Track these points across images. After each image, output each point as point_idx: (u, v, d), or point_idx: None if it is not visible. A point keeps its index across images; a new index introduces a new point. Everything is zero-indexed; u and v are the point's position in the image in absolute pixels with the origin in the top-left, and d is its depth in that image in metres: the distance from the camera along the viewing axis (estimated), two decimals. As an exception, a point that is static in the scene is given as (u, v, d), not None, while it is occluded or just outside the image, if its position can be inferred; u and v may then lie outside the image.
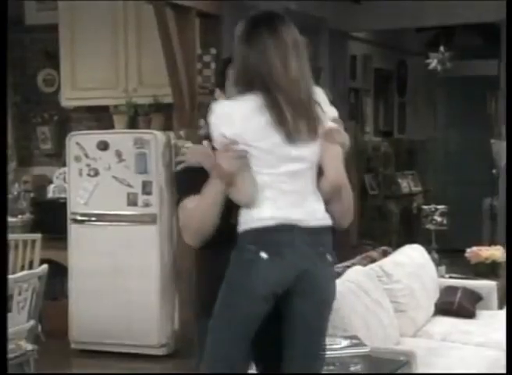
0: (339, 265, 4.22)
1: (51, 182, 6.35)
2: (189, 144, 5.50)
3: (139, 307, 5.54)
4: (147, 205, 5.52)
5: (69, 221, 5.66)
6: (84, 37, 6.03)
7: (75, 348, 5.66)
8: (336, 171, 2.44)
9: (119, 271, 5.54)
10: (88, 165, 5.65)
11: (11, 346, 4.13)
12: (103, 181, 5.60)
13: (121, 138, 5.63)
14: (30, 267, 4.90)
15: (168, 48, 5.41)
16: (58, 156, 6.41)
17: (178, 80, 5.49)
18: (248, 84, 2.38)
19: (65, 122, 6.62)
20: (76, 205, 5.60)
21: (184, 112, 5.58)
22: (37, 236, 5.05)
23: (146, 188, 5.52)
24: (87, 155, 5.65)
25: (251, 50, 2.42)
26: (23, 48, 6.77)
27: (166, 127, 5.75)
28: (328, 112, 2.50)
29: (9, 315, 4.08)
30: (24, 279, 4.09)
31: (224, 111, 2.43)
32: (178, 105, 5.58)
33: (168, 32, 5.34)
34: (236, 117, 2.38)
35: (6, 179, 3.69)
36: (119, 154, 5.59)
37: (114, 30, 5.96)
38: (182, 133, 5.57)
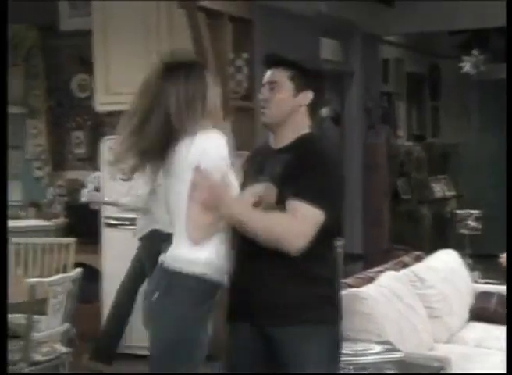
0: (372, 270, 4.21)
1: (84, 186, 6.37)
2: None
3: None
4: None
5: (102, 225, 5.69)
6: (117, 43, 6.05)
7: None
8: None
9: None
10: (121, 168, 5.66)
11: (46, 349, 4.19)
12: (136, 185, 5.59)
13: (154, 142, 5.63)
14: (64, 271, 4.94)
15: (201, 53, 5.39)
16: (91, 160, 6.46)
17: (210, 84, 5.50)
18: None
19: (99, 126, 6.66)
20: (110, 209, 5.61)
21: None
22: (71, 240, 5.10)
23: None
24: None
25: None
26: (57, 54, 6.86)
27: None
28: None
29: (44, 318, 4.19)
30: (59, 282, 4.12)
31: None
32: None
33: (200, 36, 5.34)
34: None
35: (6, 179, 3.74)
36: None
37: (146, 34, 5.95)
38: None
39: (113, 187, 5.58)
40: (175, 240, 2.63)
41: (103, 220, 5.68)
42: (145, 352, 5.25)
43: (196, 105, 2.63)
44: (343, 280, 3.99)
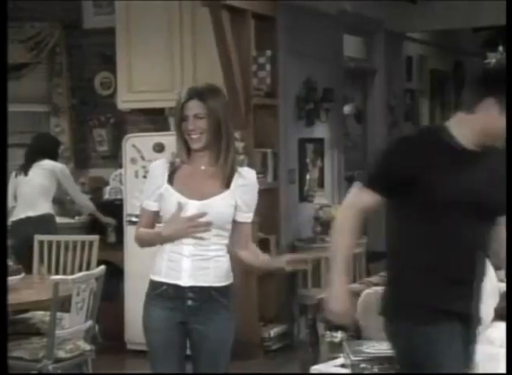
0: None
1: (107, 184, 6.40)
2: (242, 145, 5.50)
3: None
4: (202, 206, 5.50)
5: (125, 222, 5.69)
6: (140, 40, 6.06)
7: (130, 348, 5.68)
8: None
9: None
10: (144, 167, 5.65)
11: (69, 346, 4.19)
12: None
13: (174, 141, 5.61)
14: (88, 268, 4.94)
15: (224, 50, 5.39)
16: (114, 158, 6.47)
17: (233, 82, 5.47)
18: None
19: (122, 124, 6.67)
20: (132, 206, 5.57)
21: (239, 114, 5.54)
22: (95, 237, 5.10)
23: (201, 191, 5.51)
24: (143, 157, 5.69)
25: None
26: (80, 52, 6.88)
27: None
28: None
29: (68, 315, 4.20)
30: (82, 280, 4.12)
31: None
32: (233, 107, 5.44)
33: (224, 34, 5.32)
34: None
35: (6, 179, 3.70)
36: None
37: (169, 32, 5.96)
38: (237, 135, 5.47)
39: (135, 184, 5.60)
40: None
41: (126, 218, 5.67)
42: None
43: None
44: (368, 279, 3.96)
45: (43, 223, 5.61)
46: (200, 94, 2.84)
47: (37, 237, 5.22)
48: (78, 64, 6.90)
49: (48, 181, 5.78)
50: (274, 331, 5.75)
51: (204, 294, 2.83)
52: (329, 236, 5.94)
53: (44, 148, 5.96)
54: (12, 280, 4.18)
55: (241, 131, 5.56)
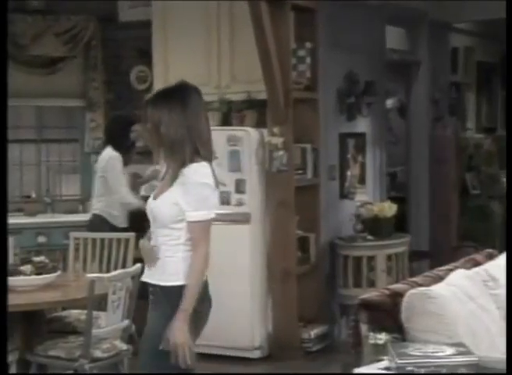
0: (441, 268, 4.13)
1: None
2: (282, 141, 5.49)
3: (231, 308, 5.55)
4: (240, 204, 5.53)
5: None
6: (177, 33, 6.09)
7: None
8: None
9: (211, 271, 5.51)
10: (180, 163, 5.69)
11: (106, 345, 4.23)
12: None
13: (214, 135, 5.53)
14: (124, 266, 4.96)
15: (263, 43, 5.39)
16: (150, 154, 6.43)
17: (272, 75, 5.47)
18: None
19: None
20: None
21: (278, 109, 5.55)
22: (131, 235, 5.12)
23: (239, 187, 5.54)
24: None
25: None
26: (116, 46, 6.92)
27: (260, 124, 5.75)
28: None
29: (104, 314, 4.23)
30: (118, 278, 4.14)
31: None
32: (272, 101, 5.56)
33: (263, 26, 5.31)
34: None
35: (6, 178, 3.77)
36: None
37: (207, 25, 5.98)
38: (276, 130, 5.56)
39: None
40: None
41: None
42: (233, 353, 5.42)
43: None
44: (411, 279, 3.92)
45: (91, 226, 5.65)
46: (150, 100, 3.00)
47: (73, 234, 5.26)
48: (113, 58, 6.94)
49: (102, 175, 5.71)
50: (314, 332, 5.76)
51: (154, 291, 3.01)
52: (371, 234, 6.03)
53: (110, 133, 5.87)
54: (47, 277, 4.27)
55: (280, 126, 5.57)
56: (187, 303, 2.89)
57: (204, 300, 3.02)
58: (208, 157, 2.95)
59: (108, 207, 5.69)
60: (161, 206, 2.96)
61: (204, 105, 3.01)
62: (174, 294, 2.92)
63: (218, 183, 2.98)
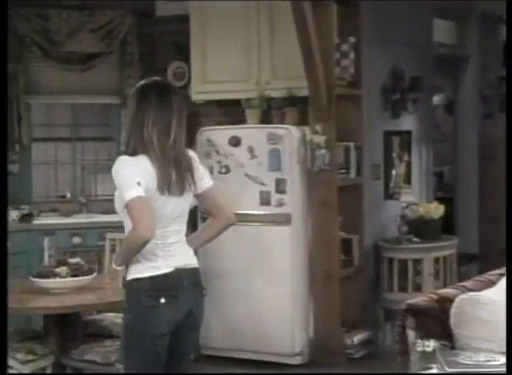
0: (492, 272, 4.07)
1: None
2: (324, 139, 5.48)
3: (271, 312, 5.55)
4: (280, 204, 5.52)
5: (199, 220, 5.70)
6: (215, 28, 6.08)
7: (204, 353, 5.73)
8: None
9: (250, 273, 5.57)
10: (219, 162, 5.70)
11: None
12: (234, 179, 5.63)
13: (253, 134, 5.65)
14: None
15: (304, 38, 5.36)
16: (188, 153, 6.51)
17: (314, 71, 5.44)
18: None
19: (195, 117, 6.56)
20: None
21: (320, 106, 5.52)
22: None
23: (280, 187, 5.52)
24: (218, 152, 5.71)
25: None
26: (152, 41, 6.92)
27: (301, 122, 5.73)
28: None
29: None
30: None
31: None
32: (314, 97, 5.53)
33: (305, 20, 5.28)
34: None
35: (6, 177, 3.79)
36: (251, 150, 5.62)
37: (246, 19, 5.97)
38: (318, 127, 5.53)
39: None
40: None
41: (200, 215, 5.64)
42: (273, 359, 5.41)
43: None
44: (461, 283, 3.88)
45: None
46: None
47: (109, 235, 5.29)
48: (150, 54, 6.90)
49: None
50: (357, 338, 5.73)
51: None
52: (417, 236, 5.98)
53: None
54: (83, 280, 4.31)
55: (322, 124, 5.54)
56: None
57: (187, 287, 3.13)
58: (152, 153, 3.06)
59: None
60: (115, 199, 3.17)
61: (167, 103, 3.12)
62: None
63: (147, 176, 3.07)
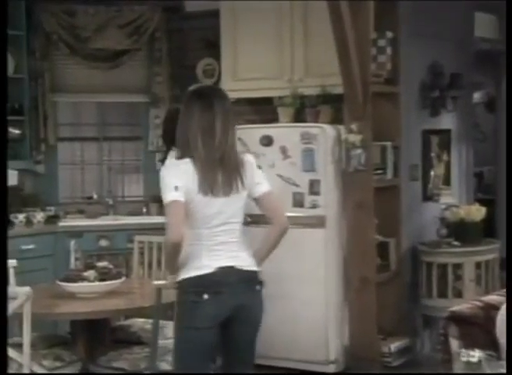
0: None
1: None
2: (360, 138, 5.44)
3: (304, 318, 5.52)
4: (314, 206, 5.48)
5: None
6: (246, 24, 6.06)
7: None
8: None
9: (283, 278, 5.53)
10: (251, 162, 5.68)
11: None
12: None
13: (286, 133, 5.61)
14: None
15: (340, 33, 5.30)
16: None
17: (350, 67, 5.39)
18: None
19: None
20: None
21: (356, 104, 5.48)
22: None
23: (313, 188, 5.48)
24: (249, 151, 5.57)
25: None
26: (182, 37, 6.94)
27: (335, 120, 5.70)
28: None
29: (172, 323, 4.15)
30: None
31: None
32: (349, 95, 5.49)
33: (340, 15, 5.22)
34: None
35: (6, 178, 3.80)
36: (284, 150, 5.59)
37: (279, 14, 5.94)
38: (353, 126, 5.49)
39: None
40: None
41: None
42: (307, 367, 5.37)
43: None
44: (505, 289, 3.81)
45: None
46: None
47: (138, 238, 5.28)
48: (179, 50, 6.95)
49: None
50: (394, 346, 5.69)
51: None
52: (457, 239, 5.91)
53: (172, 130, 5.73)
54: (112, 284, 4.31)
55: (358, 122, 5.49)
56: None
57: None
58: (195, 156, 3.33)
59: None
60: None
61: (208, 107, 3.36)
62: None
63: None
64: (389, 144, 5.78)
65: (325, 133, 5.50)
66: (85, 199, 7.14)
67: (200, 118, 3.32)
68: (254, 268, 3.45)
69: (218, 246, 3.36)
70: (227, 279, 3.34)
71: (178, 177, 3.28)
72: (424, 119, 6.27)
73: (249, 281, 3.43)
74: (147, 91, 7.00)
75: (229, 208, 3.36)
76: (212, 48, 6.58)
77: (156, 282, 4.04)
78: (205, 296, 3.30)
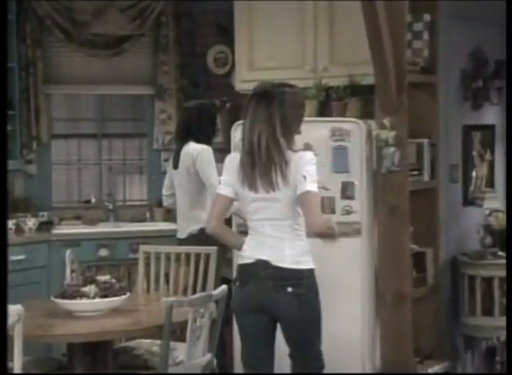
0: None
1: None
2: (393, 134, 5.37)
3: (334, 337, 5.36)
4: (347, 212, 5.37)
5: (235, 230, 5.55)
6: (264, 7, 6.01)
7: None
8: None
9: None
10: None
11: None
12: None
13: (312, 128, 5.44)
14: (203, 287, 4.91)
15: (371, 16, 5.18)
16: (230, 151, 6.39)
17: (382, 55, 5.27)
18: None
19: (240, 109, 6.44)
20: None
21: (389, 95, 5.38)
22: (212, 249, 5.01)
23: (346, 191, 5.38)
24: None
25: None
26: (191, 22, 6.97)
27: (365, 115, 5.62)
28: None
29: (182, 346, 4.22)
30: (201, 302, 4.05)
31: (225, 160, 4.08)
32: (381, 86, 5.39)
33: (371, -4, 5.23)
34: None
35: (6, 178, 3.84)
36: (308, 148, 5.41)
37: (300, -5, 5.93)
38: (386, 121, 5.38)
39: None
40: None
41: (236, 228, 5.56)
42: None
43: None
44: None
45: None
46: None
47: (143, 248, 5.24)
48: (187, 37, 6.99)
49: (190, 180, 5.59)
50: (432, 369, 5.63)
51: None
52: (503, 249, 5.79)
53: (193, 124, 5.74)
54: (115, 301, 4.23)
55: (391, 117, 5.39)
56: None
57: None
58: (242, 151, 3.92)
59: None
60: None
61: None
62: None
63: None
64: (425, 141, 5.71)
65: (360, 129, 5.42)
66: (82, 203, 7.16)
67: (252, 116, 3.92)
68: (293, 266, 3.82)
69: (263, 239, 3.86)
70: (257, 272, 3.82)
71: (226, 171, 3.96)
72: (464, 112, 6.23)
73: (281, 280, 3.80)
74: (152, 82, 7.00)
75: (274, 204, 3.82)
76: (225, 33, 6.61)
77: (166, 299, 3.98)
78: (237, 283, 3.91)
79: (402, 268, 5.41)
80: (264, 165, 3.81)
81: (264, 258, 3.82)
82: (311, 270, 3.90)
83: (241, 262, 3.93)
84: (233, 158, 3.96)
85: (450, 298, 5.99)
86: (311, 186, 3.79)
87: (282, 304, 3.82)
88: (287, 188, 3.80)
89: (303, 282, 3.83)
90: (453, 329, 5.96)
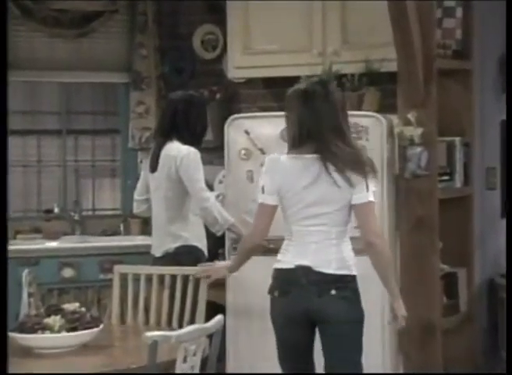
0: None
1: (211, 189, 6.22)
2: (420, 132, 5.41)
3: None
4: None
5: (227, 250, 5.64)
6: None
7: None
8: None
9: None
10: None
11: None
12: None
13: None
14: (192, 317, 4.73)
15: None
16: (221, 151, 6.27)
17: (406, 36, 5.26)
18: None
19: (233, 101, 6.65)
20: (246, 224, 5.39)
21: (415, 85, 5.38)
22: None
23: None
24: (262, 150, 5.56)
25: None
26: (175, -1, 6.99)
27: (385, 108, 5.62)
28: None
29: None
30: (191, 337, 3.79)
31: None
32: (405, 73, 5.39)
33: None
34: None
35: (6, 178, 3.74)
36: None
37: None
38: (411, 116, 5.37)
39: (249, 192, 5.46)
40: None
41: (229, 244, 5.63)
42: None
43: None
44: None
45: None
46: None
47: (118, 269, 5.06)
48: (170, 14, 6.91)
49: (171, 187, 5.41)
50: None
51: None
52: None
53: (174, 119, 5.56)
54: (85, 335, 4.04)
55: (417, 110, 5.41)
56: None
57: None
58: (288, 153, 4.08)
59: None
60: None
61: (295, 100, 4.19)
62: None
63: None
64: (457, 139, 5.74)
65: (381, 124, 5.39)
66: (42, 213, 7.04)
67: (297, 117, 4.06)
68: (338, 272, 4.00)
69: (306, 245, 4.04)
70: (298, 279, 4.01)
71: (272, 176, 4.09)
72: (504, 106, 6.14)
73: (323, 284, 3.99)
74: (127, 69, 6.95)
75: (321, 209, 3.99)
76: (214, 10, 6.63)
77: (149, 333, 3.70)
78: (275, 293, 4.09)
79: (429, 292, 5.43)
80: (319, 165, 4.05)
81: (306, 263, 4.02)
82: (355, 277, 4.10)
83: (279, 266, 4.11)
84: (276, 161, 4.08)
85: (487, 328, 6.06)
86: (369, 195, 4.02)
87: (325, 305, 4.02)
88: (345, 192, 3.99)
89: (347, 285, 4.04)
90: (491, 364, 5.98)
